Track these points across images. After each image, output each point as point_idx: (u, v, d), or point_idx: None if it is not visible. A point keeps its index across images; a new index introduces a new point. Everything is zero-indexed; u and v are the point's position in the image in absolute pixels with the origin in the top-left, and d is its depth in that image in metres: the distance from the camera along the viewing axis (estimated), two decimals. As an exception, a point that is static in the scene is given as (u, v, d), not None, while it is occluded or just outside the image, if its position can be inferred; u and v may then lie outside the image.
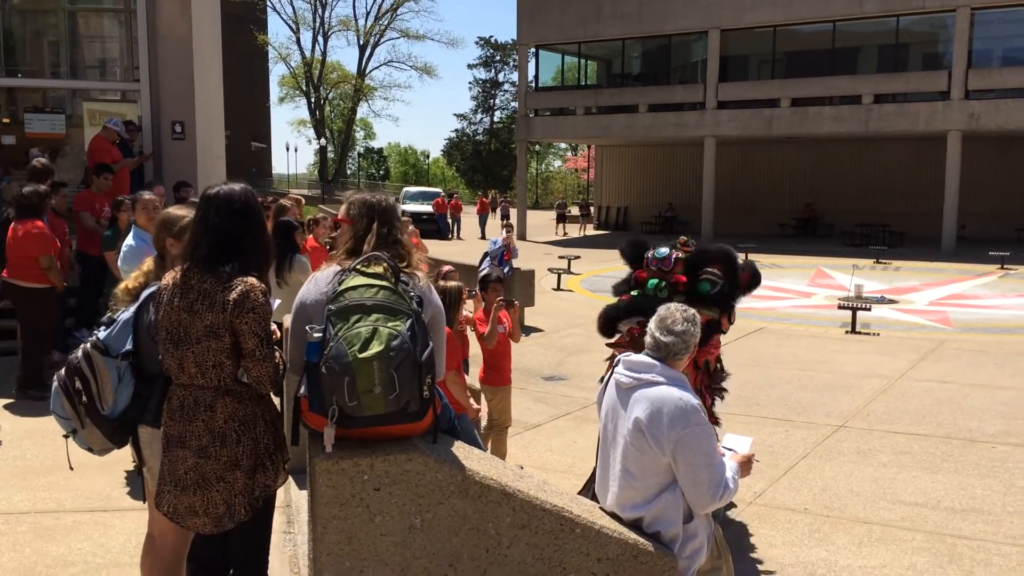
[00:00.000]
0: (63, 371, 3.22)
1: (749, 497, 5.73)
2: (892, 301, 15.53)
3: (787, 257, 23.61)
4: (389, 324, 2.70)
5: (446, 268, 6.34)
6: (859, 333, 12.11)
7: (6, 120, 10.89)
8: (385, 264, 2.88)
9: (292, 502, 5.01)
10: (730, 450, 3.34)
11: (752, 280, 5.39)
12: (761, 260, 22.61)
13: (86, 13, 12.24)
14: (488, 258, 12.19)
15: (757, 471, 6.16)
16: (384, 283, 2.82)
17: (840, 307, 13.13)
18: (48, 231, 7.35)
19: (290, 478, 4.52)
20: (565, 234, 33.81)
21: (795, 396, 8.50)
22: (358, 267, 2.87)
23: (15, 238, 7.24)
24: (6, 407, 6.97)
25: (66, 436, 3.31)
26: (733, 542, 5.03)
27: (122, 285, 3.51)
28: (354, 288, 2.78)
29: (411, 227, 12.37)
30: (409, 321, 2.73)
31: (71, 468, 3.48)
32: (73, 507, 5.02)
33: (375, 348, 2.64)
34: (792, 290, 17.38)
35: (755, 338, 11.68)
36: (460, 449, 2.97)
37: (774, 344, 11.26)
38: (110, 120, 9.95)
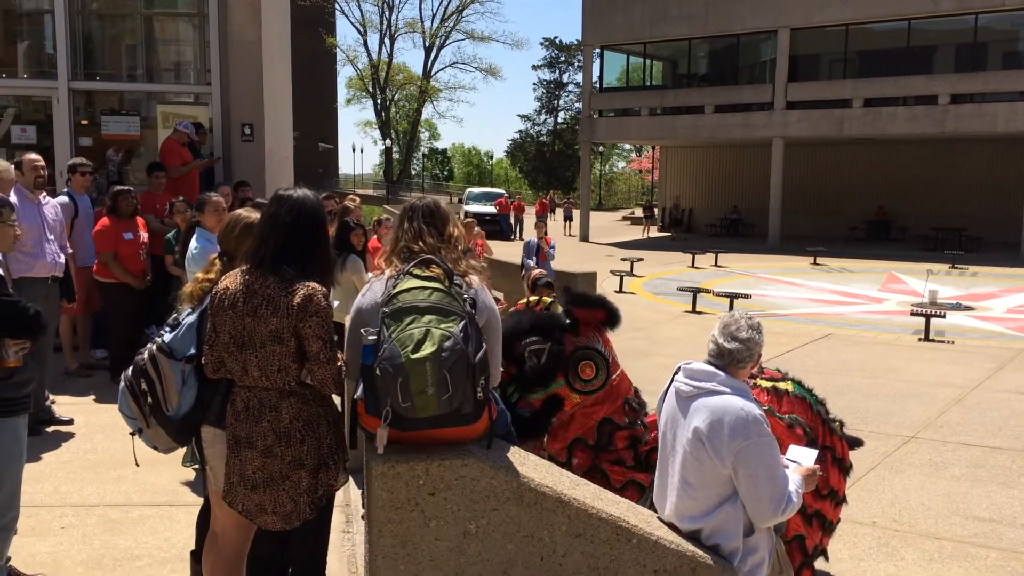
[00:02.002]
0: (130, 372, 3.29)
1: (814, 508, 5.58)
2: (968, 308, 15.01)
3: (857, 261, 23.04)
4: (442, 325, 2.69)
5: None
6: (933, 340, 11.73)
7: (84, 122, 11.23)
8: (439, 267, 2.88)
9: (351, 501, 5.05)
10: (794, 462, 3.24)
11: (609, 318, 4.28)
12: (830, 264, 22.26)
13: (161, 18, 12.57)
14: (525, 259, 12.21)
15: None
16: (437, 285, 2.82)
17: (913, 313, 12.74)
18: (111, 229, 7.72)
19: (350, 478, 4.57)
20: (647, 235, 33.54)
21: (863, 405, 8.26)
22: (412, 270, 2.87)
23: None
24: (81, 403, 7.19)
25: (132, 434, 3.38)
26: (797, 554, 4.91)
27: (187, 287, 3.55)
28: (407, 290, 2.78)
29: (476, 228, 12.44)
30: (462, 323, 2.72)
31: (137, 465, 3.56)
32: (140, 501, 5.14)
33: (427, 349, 2.64)
34: (862, 295, 16.94)
35: (822, 344, 11.41)
36: (516, 455, 2.94)
37: (842, 351, 10.98)
38: (180, 122, 10.20)
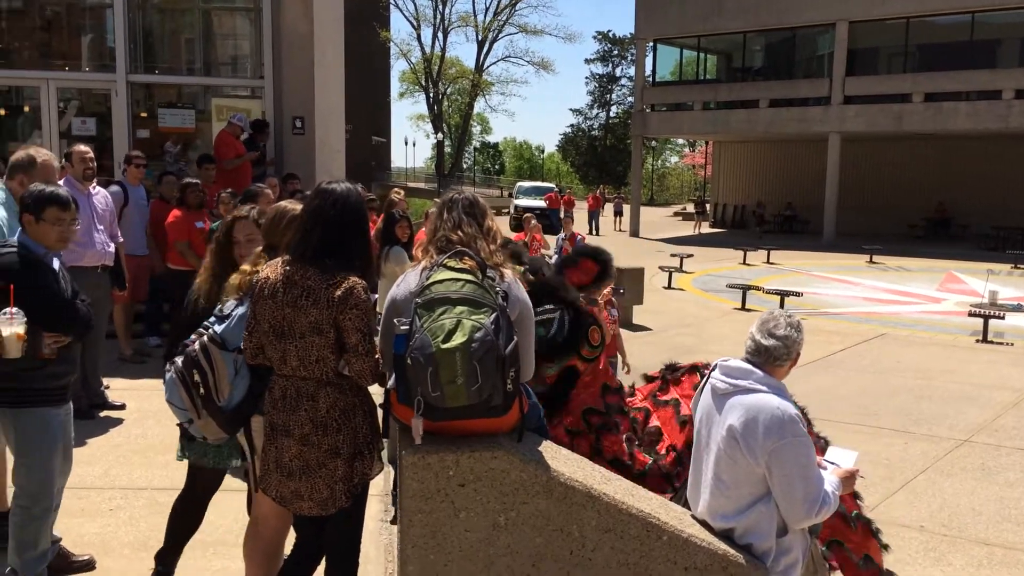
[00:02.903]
0: (180, 362, 3.31)
1: (859, 511, 5.48)
2: (1029, 309, 14.56)
3: (915, 260, 22.51)
4: (473, 317, 2.70)
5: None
6: (991, 342, 11.41)
7: (143, 115, 11.50)
8: (472, 259, 2.88)
9: (389, 491, 5.09)
10: (832, 464, 3.19)
11: (602, 272, 4.38)
12: (887, 262, 21.79)
13: (219, 12, 12.80)
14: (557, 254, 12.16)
15: (870, 484, 5.89)
16: (470, 277, 2.83)
17: (971, 314, 12.39)
18: (183, 220, 8.10)
19: (389, 467, 4.61)
20: (698, 231, 33.22)
21: (916, 407, 8.07)
22: (446, 262, 2.88)
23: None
24: (134, 389, 7.37)
25: (180, 425, 3.44)
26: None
27: (233, 278, 3.56)
28: (440, 282, 2.81)
29: (533, 222, 12.46)
30: (494, 315, 2.73)
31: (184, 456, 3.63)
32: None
33: (458, 339, 2.65)
34: (919, 294, 16.55)
35: (876, 344, 11.17)
36: (547, 449, 2.94)
37: (896, 351, 10.73)
38: (235, 115, 10.39)
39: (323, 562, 3.36)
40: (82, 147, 6.87)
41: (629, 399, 4.15)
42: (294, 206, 3.72)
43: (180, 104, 11.85)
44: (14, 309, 3.45)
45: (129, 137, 10.83)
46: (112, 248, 6.80)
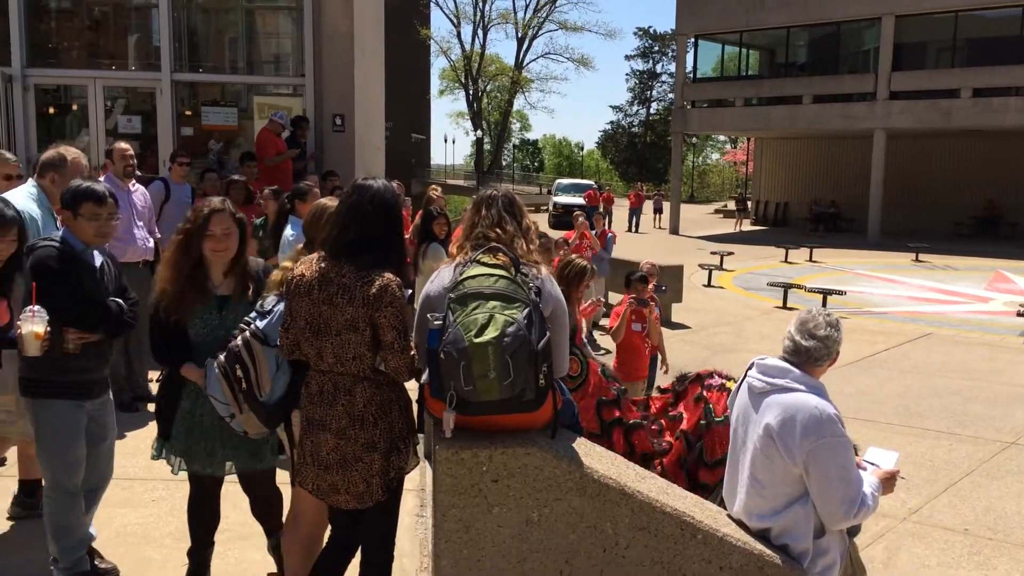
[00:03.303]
0: (223, 357, 3.35)
1: (903, 513, 5.39)
2: (1082, 309, 14.17)
3: (963, 259, 22.03)
4: (506, 312, 2.71)
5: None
6: (1040, 343, 11.14)
7: (188, 112, 11.68)
8: (506, 255, 2.88)
9: (426, 486, 5.11)
10: (872, 464, 3.13)
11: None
12: (933, 261, 21.37)
13: (261, 11, 12.95)
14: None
15: (914, 486, 5.79)
16: (503, 273, 2.84)
17: (1020, 314, 12.10)
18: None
19: (425, 462, 4.63)
20: (739, 229, 32.90)
21: (962, 408, 7.90)
22: (479, 258, 2.88)
23: None
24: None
25: (222, 419, 3.47)
26: (882, 560, 4.74)
27: (275, 274, 3.59)
28: (474, 277, 2.82)
29: (581, 219, 12.44)
30: (526, 310, 2.73)
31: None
32: (227, 478, 5.32)
33: (490, 334, 2.66)
34: (966, 294, 16.20)
35: (920, 344, 10.96)
36: (581, 446, 2.93)
37: (942, 351, 10.52)
38: (276, 113, 10.50)
39: (359, 555, 3.39)
40: (123, 144, 6.98)
41: (643, 412, 4.17)
42: (333, 203, 3.74)
43: (223, 102, 12.02)
44: (36, 307, 3.43)
45: (173, 135, 11.01)
46: (152, 244, 6.91)
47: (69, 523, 3.82)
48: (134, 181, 6.97)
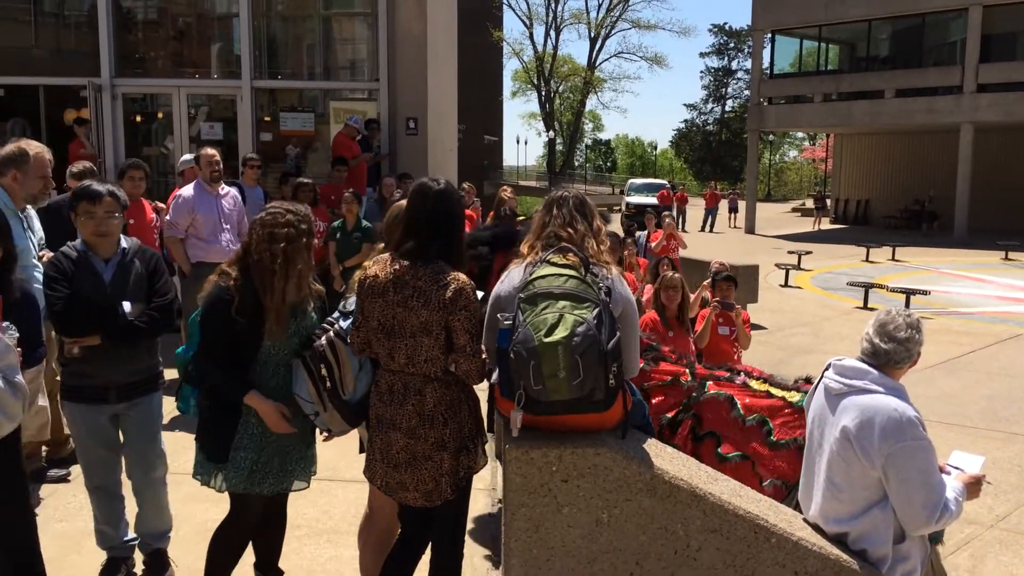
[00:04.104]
0: (309, 356, 3.41)
1: (990, 520, 5.19)
2: None
3: (1056, 257, 21.09)
4: (576, 311, 2.71)
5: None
6: None
7: (267, 119, 12.00)
8: (576, 255, 2.88)
9: (496, 485, 5.14)
10: (956, 468, 3.02)
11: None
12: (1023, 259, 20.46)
13: (338, 18, 13.21)
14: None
15: (1001, 492, 5.57)
16: (573, 273, 2.84)
17: (1118, 314, 11.54)
18: None
19: (496, 462, 4.67)
20: (818, 228, 32.14)
21: (1054, 412, 7.57)
22: (549, 258, 2.89)
23: None
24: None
25: (306, 416, 3.53)
26: (967, 568, 4.58)
27: (358, 274, 3.65)
28: (543, 277, 2.82)
29: (668, 220, 12.36)
30: (596, 310, 2.72)
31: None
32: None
33: (560, 333, 2.66)
34: (1060, 293, 15.49)
35: (1010, 345, 10.53)
36: (651, 447, 2.91)
37: (1033, 353, 10.09)
38: (351, 118, 10.71)
39: (429, 552, 3.43)
40: (209, 151, 7.21)
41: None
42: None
43: (300, 108, 12.31)
44: (5, 323, 3.17)
45: (253, 140, 11.31)
46: (237, 247, 7.10)
47: (99, 511, 3.95)
48: (223, 185, 7.18)
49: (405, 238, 3.18)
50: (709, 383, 4.02)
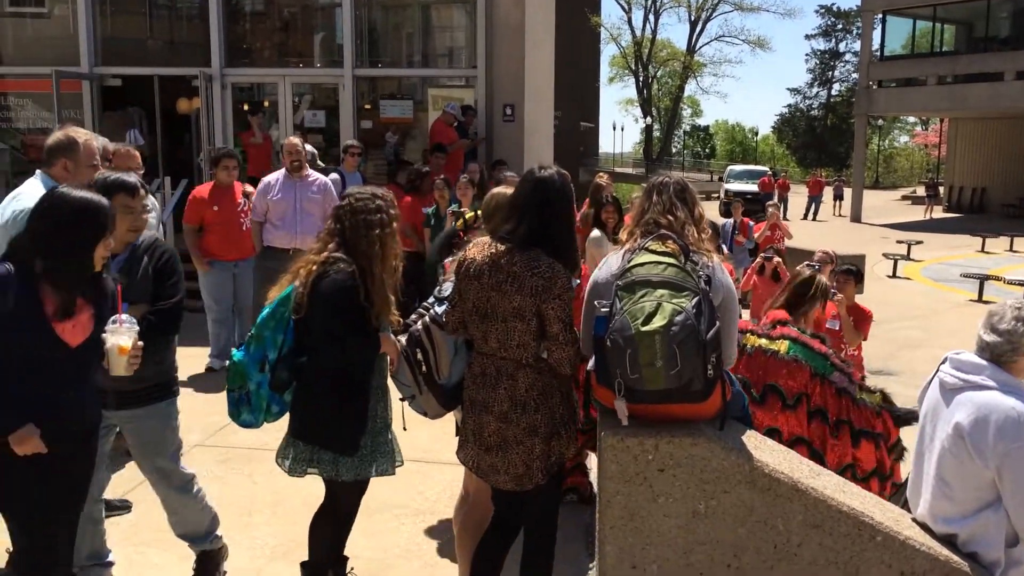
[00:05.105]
0: (405, 341, 3.46)
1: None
2: None
3: None
4: (674, 300, 2.66)
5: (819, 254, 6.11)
6: None
7: (367, 106, 12.25)
8: (675, 243, 2.83)
9: (591, 472, 5.13)
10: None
11: None
12: None
13: (436, 5, 13.36)
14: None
15: None
16: (672, 260, 2.79)
17: None
18: (413, 204, 8.55)
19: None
20: (929, 216, 30.85)
21: None
22: (648, 245, 2.85)
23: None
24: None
25: (402, 400, 3.60)
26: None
27: (458, 256, 3.67)
28: (642, 264, 2.78)
29: (771, 210, 12.09)
30: (695, 299, 2.67)
31: (404, 429, 3.74)
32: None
33: (658, 322, 2.62)
34: None
35: None
36: (750, 438, 2.85)
37: None
38: (448, 104, 10.82)
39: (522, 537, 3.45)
40: (292, 140, 7.36)
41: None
42: (507, 191, 3.81)
43: (399, 95, 12.51)
44: (124, 316, 3.00)
45: (354, 128, 11.57)
46: (311, 233, 7.13)
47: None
48: (307, 172, 7.31)
49: (511, 225, 3.18)
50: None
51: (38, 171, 4.08)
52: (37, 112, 11.75)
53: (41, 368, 2.86)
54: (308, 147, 8.53)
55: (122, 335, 2.93)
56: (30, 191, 3.87)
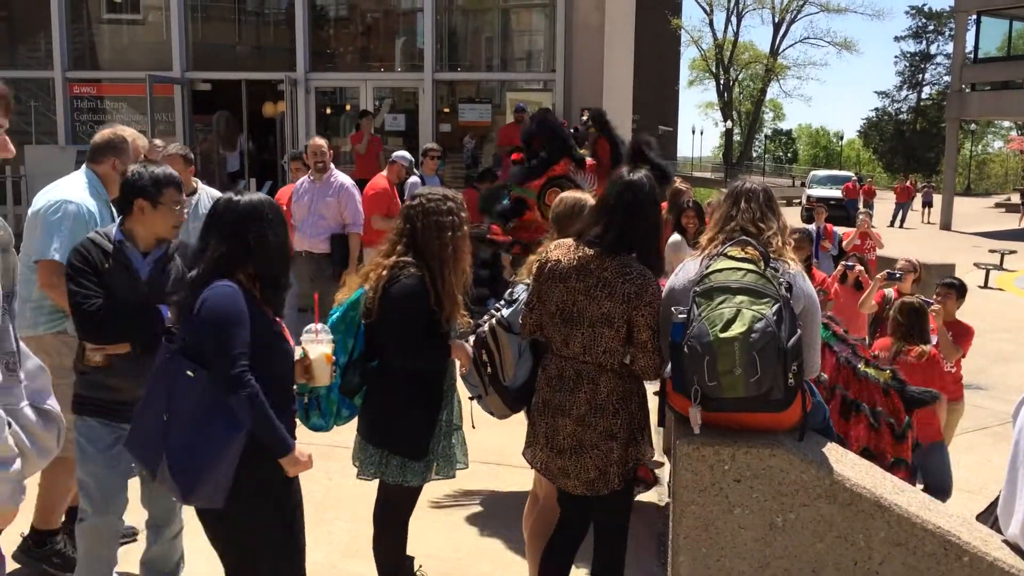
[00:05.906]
0: (473, 342, 3.49)
1: None
2: None
3: None
4: (754, 307, 2.61)
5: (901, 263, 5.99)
6: None
7: (446, 110, 12.37)
8: (755, 249, 2.77)
9: (664, 480, 5.07)
10: None
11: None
12: None
13: (516, 9, 13.43)
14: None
15: None
16: (751, 267, 2.73)
17: None
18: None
19: (664, 456, 4.59)
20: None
21: None
22: (727, 251, 2.80)
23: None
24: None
25: (471, 399, 3.62)
26: None
27: (532, 258, 3.64)
28: (720, 271, 2.74)
29: (861, 217, 11.78)
30: (776, 306, 2.61)
31: (473, 427, 3.77)
32: (472, 458, 5.58)
33: (737, 329, 2.57)
34: None
35: None
36: (832, 451, 2.77)
37: None
38: (518, 104, 10.87)
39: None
40: (316, 141, 7.28)
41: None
42: (583, 195, 3.79)
43: (478, 99, 12.60)
44: (319, 325, 2.97)
45: (433, 131, 11.70)
46: (322, 237, 7.07)
47: (82, 544, 3.36)
48: (330, 174, 7.13)
49: (601, 229, 3.14)
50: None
51: (83, 166, 3.92)
52: (131, 115, 12.22)
53: (284, 378, 2.81)
54: (406, 154, 8.62)
55: (325, 343, 2.92)
56: (70, 184, 3.78)
